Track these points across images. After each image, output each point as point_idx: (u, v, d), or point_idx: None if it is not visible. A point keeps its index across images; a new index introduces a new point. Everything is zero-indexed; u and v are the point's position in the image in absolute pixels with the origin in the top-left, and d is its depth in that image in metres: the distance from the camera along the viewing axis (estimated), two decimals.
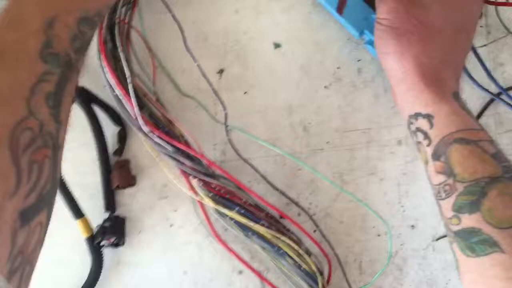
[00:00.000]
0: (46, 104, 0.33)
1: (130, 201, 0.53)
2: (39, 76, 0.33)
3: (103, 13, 0.41)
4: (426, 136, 0.42)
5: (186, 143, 0.50)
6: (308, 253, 0.50)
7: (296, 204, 0.53)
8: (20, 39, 0.33)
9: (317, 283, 0.50)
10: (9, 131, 0.30)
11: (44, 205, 0.33)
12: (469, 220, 0.38)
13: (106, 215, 0.51)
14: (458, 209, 0.39)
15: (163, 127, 0.50)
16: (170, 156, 0.50)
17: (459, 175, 0.39)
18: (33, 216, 0.32)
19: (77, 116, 0.51)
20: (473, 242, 0.38)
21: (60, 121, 0.35)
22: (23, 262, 0.32)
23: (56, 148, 0.34)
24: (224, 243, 0.52)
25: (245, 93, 0.53)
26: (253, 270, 0.52)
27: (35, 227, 0.33)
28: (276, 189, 0.53)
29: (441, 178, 0.40)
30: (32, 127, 0.31)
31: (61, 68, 0.34)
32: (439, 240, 0.54)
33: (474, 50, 0.51)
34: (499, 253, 0.36)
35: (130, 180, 0.51)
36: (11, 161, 0.30)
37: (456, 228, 0.39)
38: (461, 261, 0.40)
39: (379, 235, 0.54)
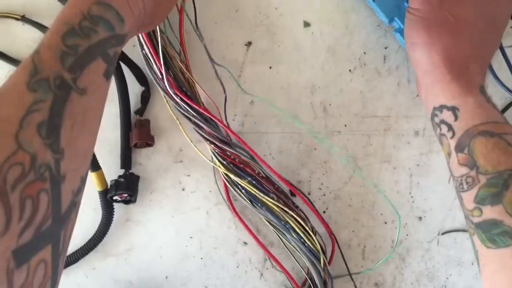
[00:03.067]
0: (38, 135, 0.30)
1: (146, 161, 0.51)
2: (28, 107, 0.30)
3: (94, 11, 0.34)
4: (450, 128, 0.40)
5: (206, 109, 0.49)
6: (314, 231, 0.48)
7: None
8: (10, 78, 0.31)
9: (319, 261, 0.48)
10: None
11: (45, 242, 0.30)
12: (490, 212, 0.36)
13: (121, 172, 0.50)
14: (480, 201, 0.37)
15: (186, 90, 0.48)
16: (190, 119, 0.48)
17: (482, 167, 0.37)
18: (31, 254, 0.29)
19: None
20: (494, 233, 0.36)
21: (60, 150, 0.31)
22: None
23: (55, 180, 0.31)
24: (235, 211, 0.51)
25: (270, 67, 0.51)
26: (258, 242, 0.51)
27: (37, 265, 0.30)
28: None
29: (463, 170, 0.39)
30: (22, 162, 0.28)
31: (53, 93, 0.31)
32: (444, 235, 0.52)
33: (502, 49, 0.48)
34: None
35: (149, 139, 0.49)
36: None
37: (477, 220, 0.37)
38: (481, 253, 0.38)
39: (385, 223, 0.52)
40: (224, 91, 0.50)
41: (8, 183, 0.28)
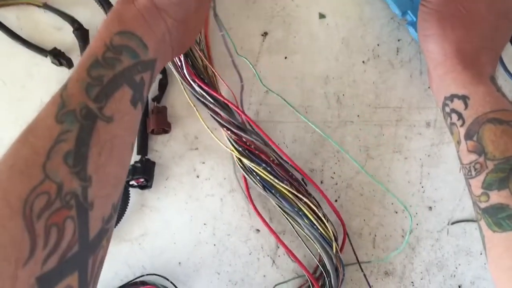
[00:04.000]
0: (65, 164, 0.31)
1: (162, 148, 0.52)
2: (55, 138, 0.31)
3: (117, 41, 0.36)
4: (460, 116, 0.41)
5: (223, 95, 0.50)
6: (326, 218, 0.49)
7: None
8: (40, 113, 0.33)
9: (331, 248, 0.49)
10: (22, 199, 0.29)
11: (71, 269, 0.31)
12: (497, 197, 0.37)
13: (138, 158, 0.51)
14: (487, 186, 0.38)
15: (204, 77, 0.49)
16: (207, 106, 0.49)
17: (490, 153, 0.38)
18: (56, 281, 0.30)
19: None
20: (500, 217, 0.37)
21: (87, 178, 0.32)
22: None
23: (81, 207, 0.32)
24: (251, 200, 0.52)
25: (285, 58, 0.53)
26: (271, 230, 0.51)
27: None
28: None
29: (472, 157, 0.40)
30: (48, 191, 0.30)
31: (79, 123, 0.32)
32: (454, 225, 0.53)
33: None
34: None
35: (165, 125, 0.50)
36: (23, 228, 0.29)
37: (484, 205, 0.38)
38: (488, 237, 0.39)
39: (396, 212, 0.53)
40: (241, 80, 0.51)
41: (34, 211, 0.29)
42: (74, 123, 0.32)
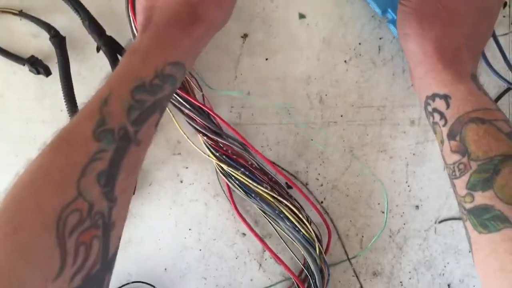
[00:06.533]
0: (98, 183, 0.32)
1: None
2: (91, 155, 0.32)
3: (167, 71, 0.37)
4: (442, 116, 0.41)
5: (197, 99, 0.49)
6: (309, 220, 0.50)
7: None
8: (77, 123, 0.34)
9: (314, 249, 0.49)
10: (56, 214, 0.30)
11: (91, 286, 0.32)
12: (482, 198, 0.37)
13: None
14: (472, 187, 0.38)
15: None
16: (182, 111, 0.49)
17: (473, 153, 0.38)
18: None
19: (102, 65, 0.52)
20: (486, 218, 0.37)
21: (114, 199, 0.33)
22: None
23: (106, 227, 0.33)
24: (234, 204, 0.52)
25: (266, 59, 0.52)
26: (256, 235, 0.52)
27: None
28: None
29: (455, 157, 0.40)
30: (81, 209, 0.31)
31: (116, 144, 0.33)
32: (441, 223, 0.53)
33: (495, 38, 0.49)
34: (510, 228, 0.35)
35: None
36: (56, 244, 0.29)
37: (469, 206, 0.38)
38: (474, 238, 0.39)
39: (383, 212, 0.53)
40: (201, 90, 0.51)
41: (66, 228, 0.30)
42: (111, 143, 0.33)
